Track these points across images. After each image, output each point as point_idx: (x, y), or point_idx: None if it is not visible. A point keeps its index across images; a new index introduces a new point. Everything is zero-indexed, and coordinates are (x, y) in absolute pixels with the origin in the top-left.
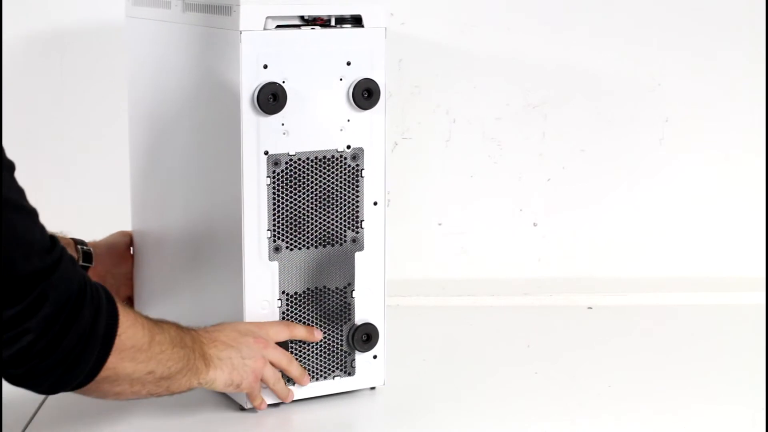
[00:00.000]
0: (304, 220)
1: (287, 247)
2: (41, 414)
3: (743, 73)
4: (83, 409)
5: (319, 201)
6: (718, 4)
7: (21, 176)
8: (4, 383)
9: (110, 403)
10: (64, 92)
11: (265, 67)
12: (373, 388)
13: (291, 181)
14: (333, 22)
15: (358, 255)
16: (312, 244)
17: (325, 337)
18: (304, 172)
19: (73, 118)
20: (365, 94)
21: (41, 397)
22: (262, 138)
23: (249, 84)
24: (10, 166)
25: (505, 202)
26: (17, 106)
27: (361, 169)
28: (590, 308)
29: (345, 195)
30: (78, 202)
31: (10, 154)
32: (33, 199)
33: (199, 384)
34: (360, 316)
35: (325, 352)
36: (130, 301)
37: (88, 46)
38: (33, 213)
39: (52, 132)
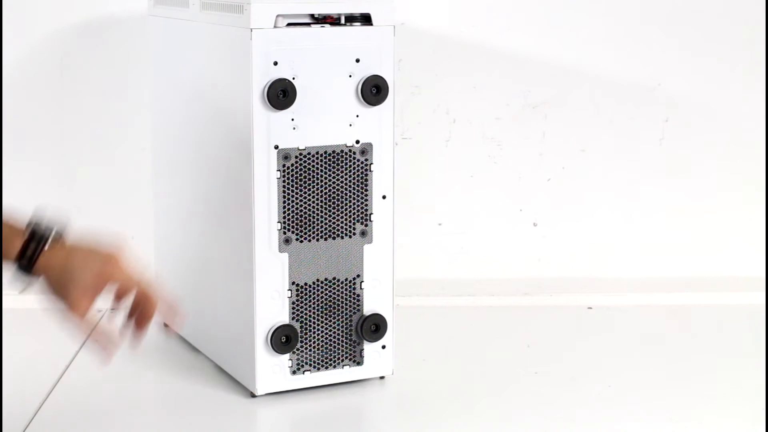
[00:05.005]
0: (313, 212)
1: (297, 239)
2: (41, 414)
3: (743, 73)
4: (83, 409)
5: (328, 194)
6: (718, 5)
7: (21, 176)
8: (5, 383)
9: (111, 400)
10: (64, 93)
11: (276, 63)
12: (382, 378)
13: (301, 175)
14: (342, 20)
15: (366, 247)
16: (321, 237)
17: (334, 328)
18: (313, 166)
19: (73, 118)
20: (374, 91)
21: (41, 397)
22: (273, 133)
23: (260, 80)
24: None
25: (505, 202)
26: (17, 106)
27: (370, 164)
28: (590, 308)
29: (354, 189)
30: (78, 203)
31: (11, 152)
32: (36, 198)
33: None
34: (369, 307)
35: (334, 342)
36: None
37: (88, 46)
38: None
39: (52, 131)
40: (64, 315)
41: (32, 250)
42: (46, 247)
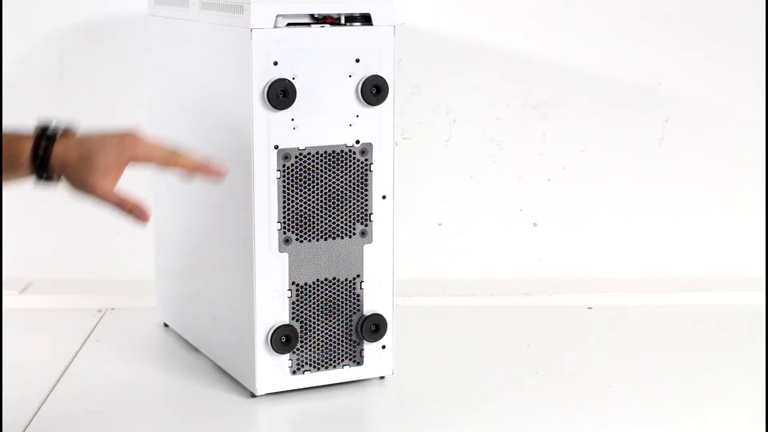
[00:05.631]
0: (313, 212)
1: (297, 239)
2: (41, 414)
3: (743, 73)
4: (83, 409)
5: (328, 194)
6: (718, 5)
7: None
8: (5, 383)
9: (112, 398)
10: (64, 93)
11: (275, 63)
12: (382, 378)
13: (301, 175)
14: (342, 20)
15: (366, 247)
16: (321, 237)
17: (334, 327)
18: (313, 166)
19: (73, 118)
20: (374, 91)
21: (41, 397)
22: (273, 133)
23: (259, 80)
24: None
25: (505, 202)
26: (17, 106)
27: (370, 164)
28: (590, 308)
29: (354, 189)
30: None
31: None
32: (37, 197)
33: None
34: (369, 307)
35: (334, 342)
36: None
37: (88, 46)
38: None
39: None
40: (93, 201)
41: (43, 148)
42: (56, 142)
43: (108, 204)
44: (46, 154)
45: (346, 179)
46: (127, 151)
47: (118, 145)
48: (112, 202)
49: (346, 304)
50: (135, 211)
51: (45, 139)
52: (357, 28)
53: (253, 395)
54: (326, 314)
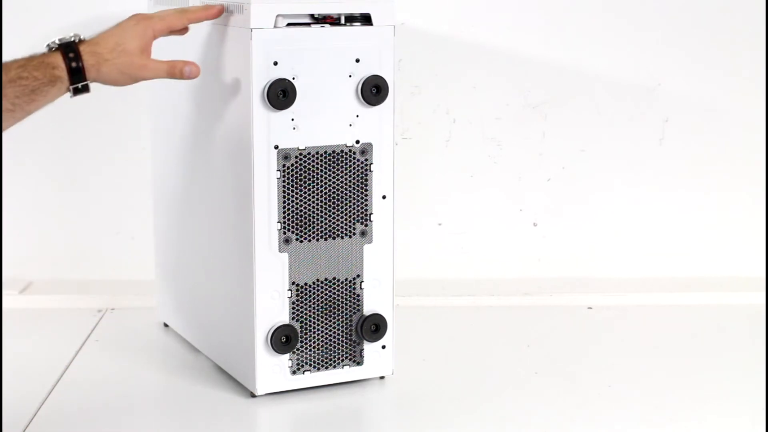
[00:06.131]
0: (313, 212)
1: (297, 239)
2: (41, 414)
3: (743, 73)
4: (83, 409)
5: (328, 194)
6: (718, 5)
7: (21, 176)
8: (5, 383)
9: (112, 398)
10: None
11: (275, 63)
12: (382, 378)
13: (301, 175)
14: (342, 20)
15: (366, 247)
16: (321, 237)
17: (334, 327)
18: (313, 166)
19: (73, 118)
20: (374, 91)
21: (41, 397)
22: (273, 133)
23: (259, 80)
24: None
25: (505, 202)
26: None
27: (370, 164)
28: (590, 308)
29: (354, 189)
30: (78, 203)
31: (11, 152)
32: (36, 198)
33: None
34: (369, 307)
35: (334, 342)
36: None
37: None
38: None
39: (51, 131)
40: (141, 80)
41: (73, 58)
42: (81, 50)
43: (160, 76)
44: (80, 63)
45: (346, 179)
46: (148, 28)
47: (137, 27)
48: (164, 72)
49: (346, 304)
50: (187, 70)
51: (70, 50)
52: (357, 28)
53: (253, 395)
54: (326, 314)
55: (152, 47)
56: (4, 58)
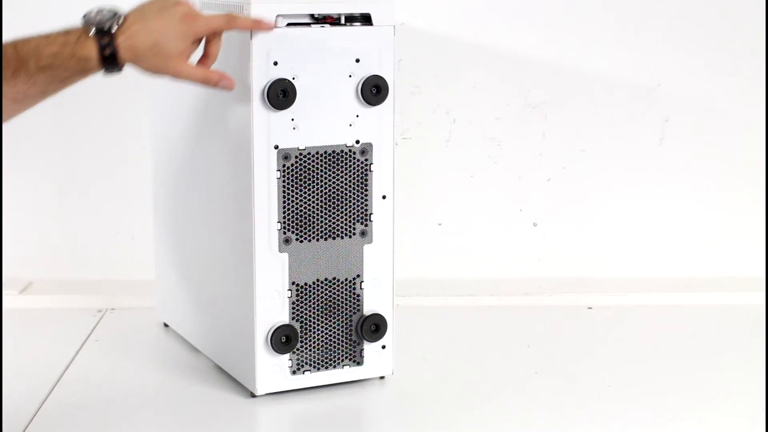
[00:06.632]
0: (313, 212)
1: (297, 239)
2: (41, 414)
3: (743, 73)
4: (83, 409)
5: (328, 194)
6: (718, 5)
7: (21, 175)
8: (5, 383)
9: (112, 398)
10: (63, 93)
11: (275, 63)
12: (382, 378)
13: (301, 175)
14: (342, 20)
15: (366, 247)
16: (321, 237)
17: (334, 327)
18: (313, 167)
19: (73, 118)
20: (374, 91)
21: (41, 397)
22: (273, 133)
23: (259, 80)
24: None
25: (505, 202)
26: None
27: (370, 164)
28: (590, 308)
29: (354, 189)
30: (78, 203)
31: (10, 152)
32: (36, 198)
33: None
34: (369, 307)
35: (334, 342)
36: None
37: None
38: None
39: (51, 132)
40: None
41: (108, 46)
42: (117, 38)
43: (193, 81)
44: (114, 52)
45: (346, 179)
46: (191, 30)
47: (180, 26)
48: (198, 79)
49: (346, 304)
50: (222, 83)
51: (107, 43)
52: (357, 28)
53: (253, 395)
54: (326, 314)
55: None
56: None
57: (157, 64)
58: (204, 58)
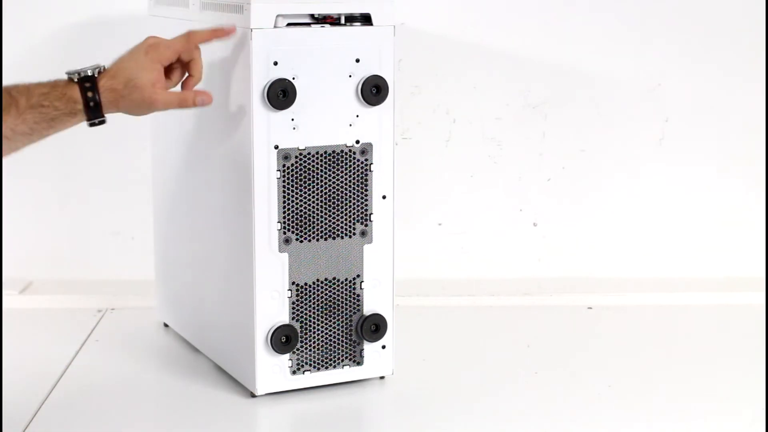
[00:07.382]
0: (313, 212)
1: (297, 239)
2: (41, 414)
3: (743, 73)
4: (83, 409)
5: (328, 194)
6: (719, 5)
7: (21, 175)
8: (5, 383)
9: (112, 398)
10: None
11: (275, 63)
12: (382, 378)
13: (301, 175)
14: (343, 20)
15: (366, 247)
16: (321, 237)
17: (334, 328)
18: (313, 166)
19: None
20: (374, 91)
21: (41, 397)
22: (273, 133)
23: (259, 80)
24: None
25: (505, 202)
26: None
27: (370, 164)
28: (590, 308)
29: (354, 189)
30: (82, 202)
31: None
32: (36, 198)
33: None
34: (368, 307)
35: (334, 342)
36: None
37: (88, 46)
38: None
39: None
40: (156, 112)
41: (90, 90)
42: (99, 82)
43: (171, 107)
44: (98, 100)
45: (346, 179)
46: (155, 58)
47: (146, 57)
48: (175, 105)
49: (346, 304)
50: (199, 100)
51: (90, 87)
52: (357, 28)
53: (253, 395)
54: (326, 314)
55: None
56: (5, 61)
57: (135, 99)
58: (187, 80)
